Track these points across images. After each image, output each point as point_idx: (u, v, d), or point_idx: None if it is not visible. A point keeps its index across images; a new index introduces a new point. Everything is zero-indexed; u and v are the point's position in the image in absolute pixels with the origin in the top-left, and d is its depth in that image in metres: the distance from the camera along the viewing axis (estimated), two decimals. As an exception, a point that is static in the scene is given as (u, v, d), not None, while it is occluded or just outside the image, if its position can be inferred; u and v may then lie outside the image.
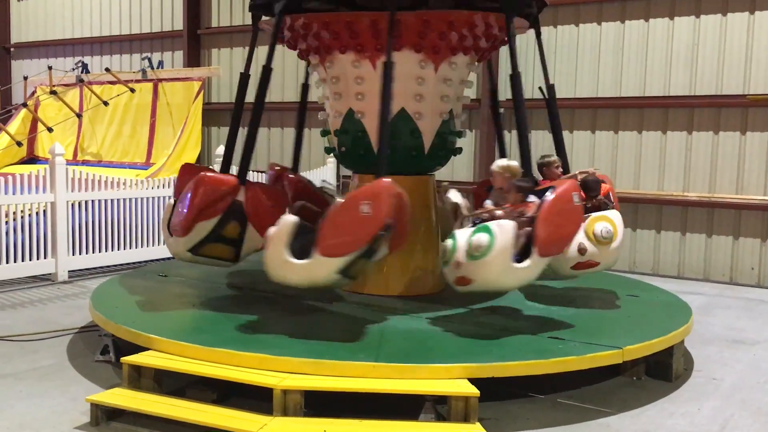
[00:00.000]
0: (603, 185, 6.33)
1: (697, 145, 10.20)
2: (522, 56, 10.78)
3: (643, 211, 10.54)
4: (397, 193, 5.28)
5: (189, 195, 5.99)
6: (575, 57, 10.99)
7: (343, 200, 5.28)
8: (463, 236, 5.34)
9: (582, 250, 5.82)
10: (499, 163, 6.26)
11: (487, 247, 5.13)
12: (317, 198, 6.77)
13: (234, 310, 6.11)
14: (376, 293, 6.53)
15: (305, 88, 7.79)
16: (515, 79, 6.15)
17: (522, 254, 5.25)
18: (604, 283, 7.31)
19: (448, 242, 5.44)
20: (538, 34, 7.00)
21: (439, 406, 4.65)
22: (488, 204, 5.96)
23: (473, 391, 4.57)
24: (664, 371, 5.71)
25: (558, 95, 7.08)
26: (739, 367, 6.18)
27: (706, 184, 10.16)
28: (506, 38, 6.94)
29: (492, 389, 4.86)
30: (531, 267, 5.27)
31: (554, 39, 11.03)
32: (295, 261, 5.18)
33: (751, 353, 6.60)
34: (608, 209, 6.09)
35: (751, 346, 6.84)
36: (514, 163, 6.15)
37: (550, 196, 5.40)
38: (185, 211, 5.96)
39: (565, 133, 10.81)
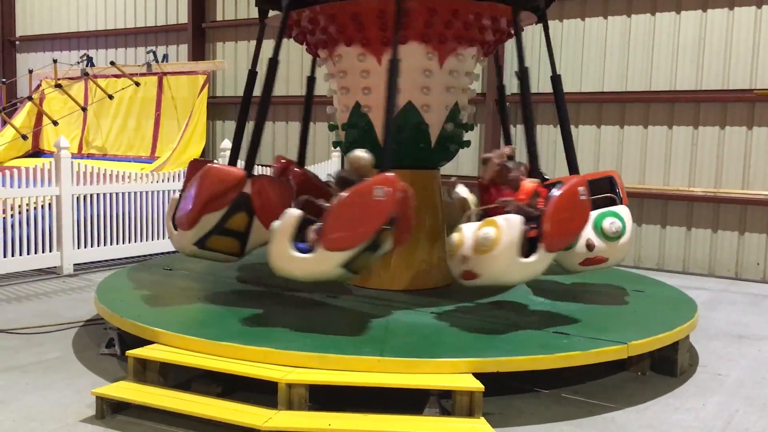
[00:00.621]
0: (526, 184, 5.89)
1: (703, 140, 10.17)
2: (528, 49, 10.76)
3: (648, 205, 10.51)
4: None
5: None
6: (581, 51, 10.96)
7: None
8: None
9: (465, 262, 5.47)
10: (350, 154, 5.78)
11: (271, 235, 5.30)
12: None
13: (239, 303, 6.12)
14: (381, 287, 6.53)
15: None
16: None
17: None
18: (609, 278, 7.30)
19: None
20: (546, 28, 6.96)
21: (444, 401, 4.65)
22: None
23: (478, 385, 4.57)
24: (669, 366, 5.70)
25: (563, 89, 7.03)
26: (744, 363, 6.16)
27: (712, 179, 10.14)
28: (512, 32, 6.95)
29: (497, 384, 4.86)
30: (315, 259, 5.12)
31: (560, 33, 11.00)
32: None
33: (756, 348, 6.59)
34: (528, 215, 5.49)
35: (756, 341, 6.83)
36: (362, 155, 5.65)
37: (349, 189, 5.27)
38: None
39: (571, 128, 10.85)
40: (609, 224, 5.96)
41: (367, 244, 5.14)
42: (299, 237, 5.29)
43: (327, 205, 5.36)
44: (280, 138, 13.90)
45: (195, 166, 6.79)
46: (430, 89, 6.59)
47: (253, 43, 13.88)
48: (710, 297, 8.71)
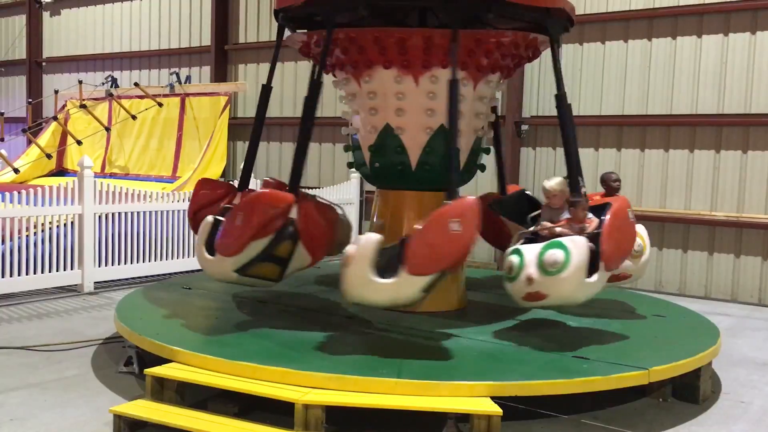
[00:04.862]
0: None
1: (725, 164, 10.08)
2: (543, 71, 10.78)
3: (669, 230, 10.41)
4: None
5: (245, 213, 5.78)
6: (601, 74, 10.94)
7: (431, 219, 5.13)
8: (533, 252, 5.44)
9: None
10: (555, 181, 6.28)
11: (564, 263, 5.28)
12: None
13: (257, 323, 6.12)
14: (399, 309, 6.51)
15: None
16: (561, 99, 6.32)
17: None
18: (630, 303, 7.22)
19: (514, 258, 5.52)
20: (554, 50, 6.91)
21: (462, 424, 4.61)
22: (545, 222, 5.98)
23: (496, 409, 4.52)
24: (691, 393, 5.61)
25: (584, 113, 7.02)
26: (769, 391, 6.05)
27: (735, 204, 10.02)
28: (530, 58, 6.96)
29: (515, 408, 4.80)
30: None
31: (580, 56, 11.00)
32: (380, 280, 5.09)
33: (781, 376, 6.47)
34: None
35: (780, 369, 6.71)
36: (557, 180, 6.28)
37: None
38: (240, 229, 5.72)
39: (591, 151, 10.85)
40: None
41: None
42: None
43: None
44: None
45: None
46: (486, 115, 6.80)
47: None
48: (733, 323, 8.57)
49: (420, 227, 5.12)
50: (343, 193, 12.57)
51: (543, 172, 11.28)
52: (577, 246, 5.32)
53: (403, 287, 5.07)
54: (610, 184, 7.01)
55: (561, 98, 6.32)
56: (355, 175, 12.63)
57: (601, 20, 10.89)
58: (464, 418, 4.59)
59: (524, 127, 11.49)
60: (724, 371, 6.40)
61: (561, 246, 5.31)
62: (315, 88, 6.22)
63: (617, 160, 10.83)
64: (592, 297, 5.58)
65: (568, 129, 6.33)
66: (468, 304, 6.90)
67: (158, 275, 9.88)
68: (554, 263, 5.25)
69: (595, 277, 5.40)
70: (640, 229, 6.24)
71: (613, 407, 5.37)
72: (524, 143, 11.55)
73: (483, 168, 7.17)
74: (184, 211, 10.24)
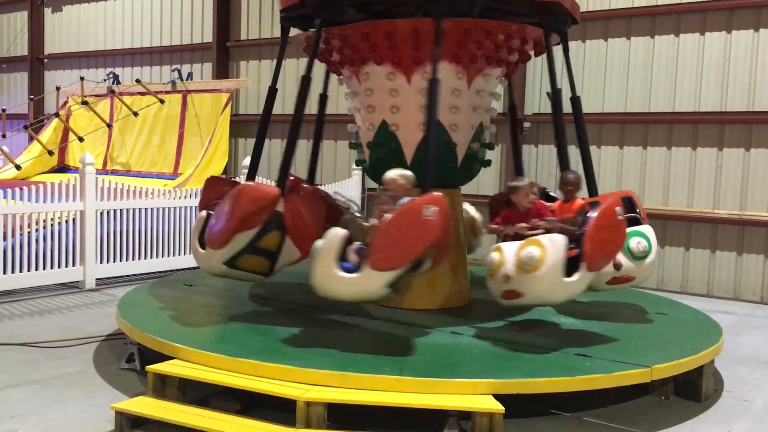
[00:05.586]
0: (577, 200, 6.15)
1: (728, 161, 10.06)
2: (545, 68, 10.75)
3: (672, 227, 10.40)
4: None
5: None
6: (604, 71, 10.92)
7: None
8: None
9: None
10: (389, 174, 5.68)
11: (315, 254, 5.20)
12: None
13: (259, 320, 6.12)
14: (401, 306, 6.50)
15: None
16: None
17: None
18: (632, 300, 7.21)
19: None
20: (566, 49, 6.95)
21: (463, 422, 4.60)
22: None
23: (498, 407, 4.52)
24: (693, 391, 5.60)
25: (586, 110, 6.99)
26: (771, 389, 6.04)
27: (737, 202, 10.01)
28: (532, 53, 6.96)
29: (517, 406, 4.80)
30: (361, 279, 5.02)
31: (583, 53, 10.98)
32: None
33: (784, 375, 6.46)
34: None
35: (783, 367, 6.69)
36: (406, 174, 5.65)
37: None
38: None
39: (593, 149, 10.79)
40: (636, 244, 6.05)
41: (415, 264, 5.05)
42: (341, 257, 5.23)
43: (368, 224, 5.37)
44: (300, 156, 13.95)
45: (212, 183, 6.87)
46: (459, 109, 6.57)
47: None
48: (735, 321, 8.56)
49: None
50: (345, 190, 12.55)
51: (545, 170, 11.28)
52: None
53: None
54: (564, 188, 6.29)
55: (431, 84, 5.89)
56: (357, 172, 12.62)
57: (604, 17, 10.87)
58: (466, 415, 4.58)
59: (526, 125, 11.48)
60: (727, 369, 6.39)
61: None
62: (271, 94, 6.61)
63: (619, 157, 10.82)
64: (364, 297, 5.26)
65: (430, 111, 5.81)
66: (471, 301, 6.89)
67: (160, 272, 9.88)
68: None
69: (360, 275, 5.05)
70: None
71: (615, 405, 5.36)
72: (526, 140, 11.53)
73: (488, 164, 7.16)
74: (185, 207, 10.26)
